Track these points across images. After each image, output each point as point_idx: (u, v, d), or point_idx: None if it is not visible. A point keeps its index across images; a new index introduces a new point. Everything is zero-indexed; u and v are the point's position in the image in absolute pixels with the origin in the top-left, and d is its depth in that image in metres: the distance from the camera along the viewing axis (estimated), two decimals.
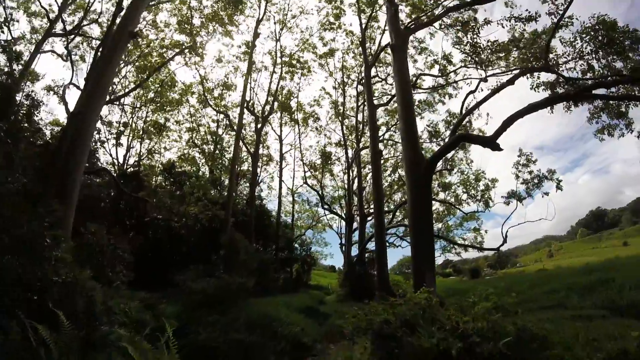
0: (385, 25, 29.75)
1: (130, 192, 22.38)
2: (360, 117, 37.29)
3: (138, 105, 32.38)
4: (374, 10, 30.19)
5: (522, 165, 26.75)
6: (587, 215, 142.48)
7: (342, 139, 38.26)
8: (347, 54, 36.81)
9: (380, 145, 31.53)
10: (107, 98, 26.04)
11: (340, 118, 37.80)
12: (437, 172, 34.26)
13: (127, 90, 27.11)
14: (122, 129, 31.10)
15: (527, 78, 16.92)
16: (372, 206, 41.77)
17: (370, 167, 40.71)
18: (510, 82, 14.89)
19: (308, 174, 40.07)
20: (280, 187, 40.80)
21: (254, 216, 32.48)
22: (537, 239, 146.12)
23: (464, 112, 14.71)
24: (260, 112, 33.53)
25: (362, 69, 30.71)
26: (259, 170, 43.06)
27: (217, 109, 33.96)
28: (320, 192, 36.73)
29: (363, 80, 28.76)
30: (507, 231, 27.23)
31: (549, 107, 15.78)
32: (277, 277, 28.40)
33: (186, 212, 22.81)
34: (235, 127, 29.49)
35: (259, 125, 32.77)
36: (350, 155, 37.31)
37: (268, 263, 23.43)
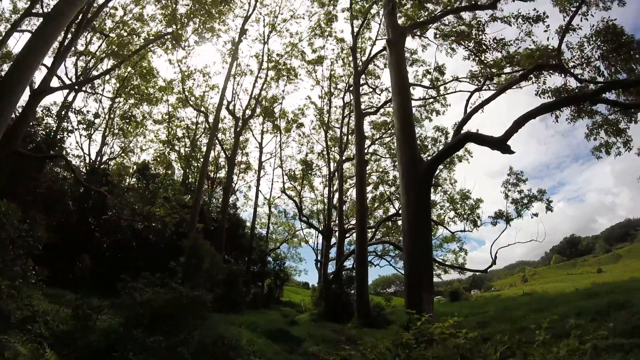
0: (376, 36, 29.07)
1: (96, 188, 20.20)
2: (345, 130, 35.85)
3: (114, 98, 30.09)
4: (367, 18, 29.03)
5: (512, 184, 25.89)
6: (562, 242, 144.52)
7: (324, 150, 36.57)
8: (336, 61, 35.67)
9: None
10: (84, 84, 24.81)
11: (324, 127, 36.19)
12: None
13: (99, 72, 25.00)
14: (94, 119, 28.69)
15: (533, 83, 15.92)
16: (352, 222, 40.29)
17: (352, 181, 39.72)
18: (523, 76, 13.58)
19: (287, 183, 38.21)
20: (257, 197, 38.86)
21: (227, 225, 30.44)
22: (511, 264, 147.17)
23: (468, 111, 13.12)
24: (241, 114, 31.66)
25: (352, 76, 29.35)
26: (235, 178, 41.32)
27: (196, 107, 32.03)
28: (298, 204, 34.79)
29: (352, 88, 27.37)
30: (496, 252, 26.32)
31: (556, 113, 15.38)
32: (246, 291, 26.24)
33: (150, 212, 20.60)
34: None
35: (239, 129, 30.84)
36: (332, 167, 35.60)
37: (238, 275, 21.31)
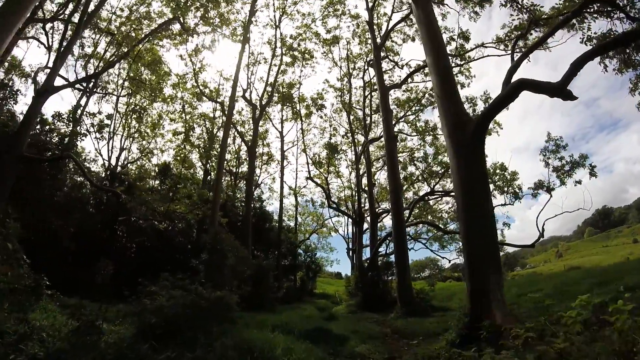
0: (392, 9, 27.33)
1: (120, 193, 19.25)
2: (367, 111, 34.04)
3: (124, 96, 29.19)
4: None
5: (551, 151, 24.02)
6: (593, 214, 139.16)
7: (348, 132, 34.87)
8: (352, 39, 33.68)
9: None
10: (88, 80, 23.96)
11: (346, 108, 34.48)
12: None
13: (104, 66, 24.02)
14: (105, 121, 27.89)
15: (577, 31, 14.00)
16: (382, 206, 38.66)
17: (378, 164, 38.13)
18: (576, 13, 11.68)
19: (312, 169, 36.70)
20: (282, 188, 37.66)
21: (253, 220, 29.26)
22: (543, 239, 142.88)
23: (515, 59, 11.33)
24: (258, 102, 30.30)
25: (371, 52, 27.57)
26: (258, 170, 40.18)
27: (211, 98, 30.85)
28: (326, 190, 33.25)
29: (372, 63, 25.61)
30: (543, 224, 24.85)
31: (605, 62, 14.82)
32: (278, 287, 24.97)
33: (170, 210, 19.46)
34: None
35: (257, 116, 29.50)
36: (357, 150, 33.89)
37: (267, 270, 20.02)
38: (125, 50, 23.09)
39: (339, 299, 35.43)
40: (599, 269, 19.06)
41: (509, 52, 24.51)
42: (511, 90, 9.02)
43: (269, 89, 31.21)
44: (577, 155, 23.60)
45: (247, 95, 29.96)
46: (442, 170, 31.67)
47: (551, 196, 23.90)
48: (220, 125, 34.33)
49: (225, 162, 38.50)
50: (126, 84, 28.89)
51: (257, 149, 38.67)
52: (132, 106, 29.80)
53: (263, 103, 30.34)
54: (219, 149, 27.78)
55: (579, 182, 23.11)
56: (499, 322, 7.13)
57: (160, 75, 28.69)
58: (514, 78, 9.83)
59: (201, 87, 30.31)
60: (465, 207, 8.72)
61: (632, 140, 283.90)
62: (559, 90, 8.64)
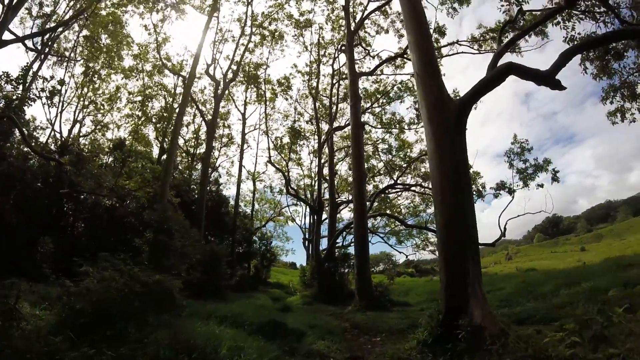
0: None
1: (64, 162, 17.33)
2: (334, 99, 33.18)
3: (81, 62, 26.87)
4: None
5: (516, 154, 23.99)
6: (544, 221, 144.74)
7: (313, 117, 33.83)
8: (325, 24, 32.53)
9: None
10: (39, 36, 21.72)
11: (313, 93, 33.47)
12: (420, 157, 30.80)
13: (58, 23, 21.85)
14: (58, 87, 25.54)
15: (561, 29, 13.70)
16: (341, 197, 37.99)
17: (339, 155, 37.41)
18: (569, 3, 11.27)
19: (274, 154, 35.48)
20: (240, 171, 36.35)
21: (209, 203, 27.84)
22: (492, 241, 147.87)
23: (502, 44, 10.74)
24: (221, 78, 28.73)
25: (344, 39, 26.58)
26: (217, 153, 38.64)
27: (174, 71, 29.04)
28: (286, 175, 32.14)
29: (344, 48, 24.67)
30: (505, 223, 25.35)
31: (585, 64, 14.96)
32: (231, 274, 23.78)
33: (118, 184, 17.77)
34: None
35: (219, 92, 28.01)
36: (321, 139, 32.95)
37: (220, 256, 18.76)
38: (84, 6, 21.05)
39: (293, 290, 34.70)
40: (558, 271, 19.08)
41: (483, 51, 24.93)
42: (498, 73, 8.32)
43: (234, 66, 29.72)
44: (541, 160, 23.57)
45: (210, 70, 28.41)
46: (405, 165, 31.47)
47: (513, 198, 23.90)
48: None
49: (183, 141, 36.86)
50: (84, 50, 26.56)
51: (217, 131, 37.31)
52: (89, 74, 27.55)
53: (227, 80, 28.77)
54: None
55: (541, 185, 23.01)
56: (478, 321, 6.42)
57: (119, 40, 26.67)
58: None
59: (164, 60, 28.44)
60: (442, 194, 7.93)
61: (585, 155, 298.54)
62: (548, 78, 8.07)
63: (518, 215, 23.41)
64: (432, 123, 8.48)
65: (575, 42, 13.96)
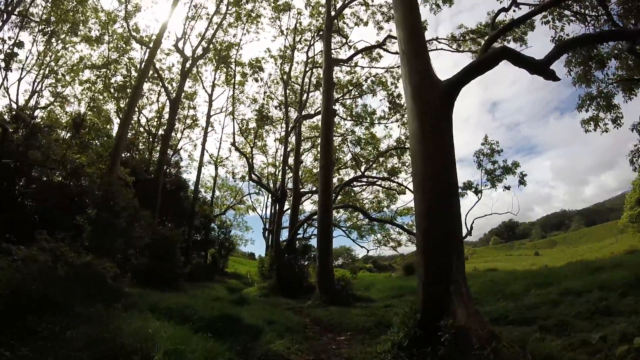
0: None
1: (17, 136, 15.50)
2: (306, 88, 32.08)
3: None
4: None
5: (485, 155, 23.90)
6: (500, 225, 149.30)
7: (282, 103, 32.76)
8: (305, 10, 31.25)
9: None
10: None
11: (285, 78, 32.32)
12: (388, 152, 30.31)
13: None
14: (16, 49, 23.28)
15: (550, 28, 13.77)
16: (305, 188, 37.02)
17: (306, 145, 36.43)
18: None
19: (239, 139, 34.06)
20: (202, 155, 34.86)
21: (168, 186, 26.39)
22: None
23: (496, 31, 10.21)
24: (190, 54, 27.10)
25: (322, 25, 25.38)
26: (179, 135, 36.99)
27: (142, 42, 27.14)
28: (249, 161, 30.89)
29: (322, 33, 23.67)
30: (472, 222, 25.70)
31: (570, 67, 15.06)
32: (186, 262, 22.49)
33: (68, 156, 16.14)
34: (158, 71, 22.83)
35: (187, 67, 26.43)
36: (290, 125, 31.83)
37: (174, 242, 17.47)
38: None
39: (251, 280, 33.82)
40: (524, 272, 18.94)
41: (461, 50, 24.60)
42: (493, 55, 7.64)
43: (204, 44, 28.10)
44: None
45: (180, 45, 26.70)
46: (374, 158, 31.02)
47: (479, 198, 23.78)
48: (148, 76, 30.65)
49: (145, 120, 34.95)
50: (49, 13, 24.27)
51: (182, 111, 35.76)
52: (51, 39, 25.28)
53: (196, 56, 27.20)
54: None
55: (508, 187, 23.18)
56: (462, 322, 5.66)
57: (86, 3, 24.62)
58: None
59: (132, 31, 26.50)
60: (427, 177, 7.12)
61: (544, 166, 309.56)
62: (542, 67, 7.56)
63: (485, 215, 23.37)
64: (417, 102, 7.67)
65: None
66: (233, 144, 29.64)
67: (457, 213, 6.98)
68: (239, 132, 33.77)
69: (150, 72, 29.09)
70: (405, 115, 28.72)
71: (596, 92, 16.31)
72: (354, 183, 31.99)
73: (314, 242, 27.30)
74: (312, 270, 22.13)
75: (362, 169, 30.87)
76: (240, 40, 32.96)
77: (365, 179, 31.12)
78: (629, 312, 7.53)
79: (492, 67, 7.66)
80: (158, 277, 14.95)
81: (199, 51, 27.78)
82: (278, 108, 34.76)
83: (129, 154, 27.55)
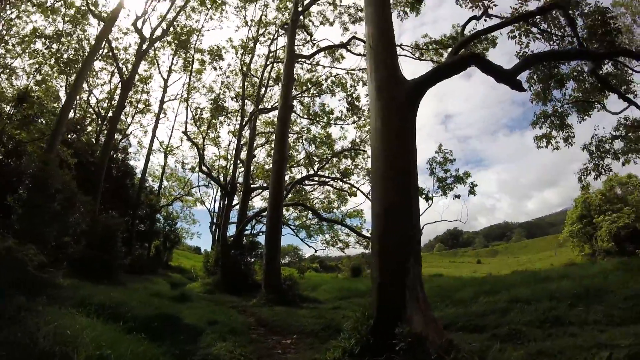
0: None
1: None
2: (265, 82, 31.63)
3: None
4: None
5: (439, 163, 24.31)
6: (445, 233, 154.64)
7: (239, 95, 31.96)
8: (272, 1, 30.58)
9: None
10: None
11: (244, 69, 31.63)
12: (342, 153, 30.26)
13: None
14: None
15: (516, 43, 13.72)
16: (256, 184, 36.30)
17: (262, 140, 35.83)
18: (542, 10, 11.13)
19: (192, 128, 32.99)
20: (152, 141, 33.47)
21: (114, 172, 24.99)
22: None
23: (466, 36, 10.23)
24: (149, 35, 25.80)
25: (289, 18, 24.74)
26: (130, 119, 35.37)
27: (99, 17, 25.34)
28: (201, 151, 29.89)
29: (287, 26, 23.13)
30: (423, 227, 24.70)
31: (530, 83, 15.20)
32: (127, 253, 21.30)
33: (5, 131, 14.73)
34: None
35: (143, 48, 25.12)
36: (245, 118, 31.08)
37: (115, 230, 16.41)
38: None
39: (195, 275, 32.94)
40: (471, 279, 19.41)
41: (423, 59, 24.85)
42: (461, 60, 7.59)
43: (164, 25, 26.87)
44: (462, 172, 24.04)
45: (138, 24, 25.24)
46: (328, 157, 31.07)
47: (430, 205, 24.03)
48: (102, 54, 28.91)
49: (96, 100, 33.16)
50: None
51: (135, 95, 34.41)
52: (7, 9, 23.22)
53: (154, 37, 25.94)
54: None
55: (458, 196, 23.42)
56: (419, 330, 5.44)
57: None
58: None
59: (90, 4, 24.69)
60: (387, 175, 6.87)
61: (490, 179, 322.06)
62: (510, 76, 7.66)
63: (435, 222, 23.69)
64: (382, 98, 7.44)
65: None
66: (185, 132, 28.62)
67: (416, 215, 6.79)
68: (193, 121, 32.72)
69: (105, 50, 27.68)
70: (362, 119, 29.06)
71: (551, 111, 16.74)
72: (306, 182, 31.90)
73: (261, 239, 26.87)
74: (258, 267, 21.69)
75: (315, 168, 30.71)
76: (203, 26, 32.13)
77: (317, 178, 31.02)
78: (579, 322, 7.66)
79: (460, 71, 7.64)
80: (95, 267, 14.00)
81: (158, 32, 26.56)
82: (235, 99, 33.91)
83: (75, 136, 25.83)
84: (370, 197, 27.70)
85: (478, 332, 7.91)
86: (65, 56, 27.37)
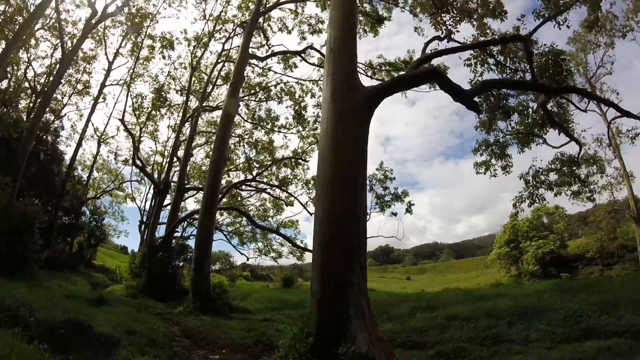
0: None
1: None
2: (213, 80, 30.95)
3: None
4: None
5: (378, 180, 24.75)
6: (376, 249, 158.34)
7: (185, 89, 31.15)
8: None
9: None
10: None
11: (195, 63, 30.64)
12: (282, 161, 30.00)
13: None
14: None
15: (471, 71, 14.07)
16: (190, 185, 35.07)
17: (202, 139, 34.79)
18: (504, 40, 11.91)
19: (130, 118, 31.53)
20: (86, 127, 31.73)
21: (38, 153, 22.95)
22: None
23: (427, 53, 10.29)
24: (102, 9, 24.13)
25: (250, 17, 24.10)
26: (66, 99, 33.11)
27: None
28: (136, 142, 28.46)
29: (246, 25, 22.50)
30: None
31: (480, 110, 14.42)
32: (45, 246, 19.55)
33: None
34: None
35: (93, 21, 23.38)
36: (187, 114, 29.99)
37: (31, 219, 14.88)
38: None
39: (119, 276, 31.37)
40: (406, 295, 19.70)
41: (375, 77, 25.18)
42: (423, 72, 7.73)
43: (119, 2, 25.32)
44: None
45: None
46: (269, 163, 30.90)
47: (368, 219, 24.27)
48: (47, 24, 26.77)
49: (33, 73, 30.60)
50: None
51: (76, 75, 32.81)
52: None
53: (107, 13, 24.24)
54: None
55: (395, 214, 24.16)
56: (364, 350, 5.08)
57: None
58: None
59: None
60: (335, 181, 6.53)
61: (423, 201, 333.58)
62: (468, 97, 7.70)
63: (371, 237, 23.73)
64: (336, 102, 7.22)
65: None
66: (122, 120, 27.07)
67: (363, 224, 6.51)
68: (132, 109, 31.20)
69: (53, 20, 25.62)
70: (307, 129, 29.11)
71: (493, 140, 17.50)
72: (243, 187, 31.39)
73: (192, 243, 25.82)
74: (186, 272, 20.61)
75: (254, 173, 30.29)
76: (159, 12, 30.93)
77: (255, 184, 30.76)
78: (522, 340, 7.84)
79: (420, 84, 7.83)
80: (6, 259, 12.62)
81: (112, 9, 24.82)
82: (180, 93, 33.01)
83: (4, 109, 23.62)
84: (308, 208, 28.20)
85: (419, 349, 7.88)
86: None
